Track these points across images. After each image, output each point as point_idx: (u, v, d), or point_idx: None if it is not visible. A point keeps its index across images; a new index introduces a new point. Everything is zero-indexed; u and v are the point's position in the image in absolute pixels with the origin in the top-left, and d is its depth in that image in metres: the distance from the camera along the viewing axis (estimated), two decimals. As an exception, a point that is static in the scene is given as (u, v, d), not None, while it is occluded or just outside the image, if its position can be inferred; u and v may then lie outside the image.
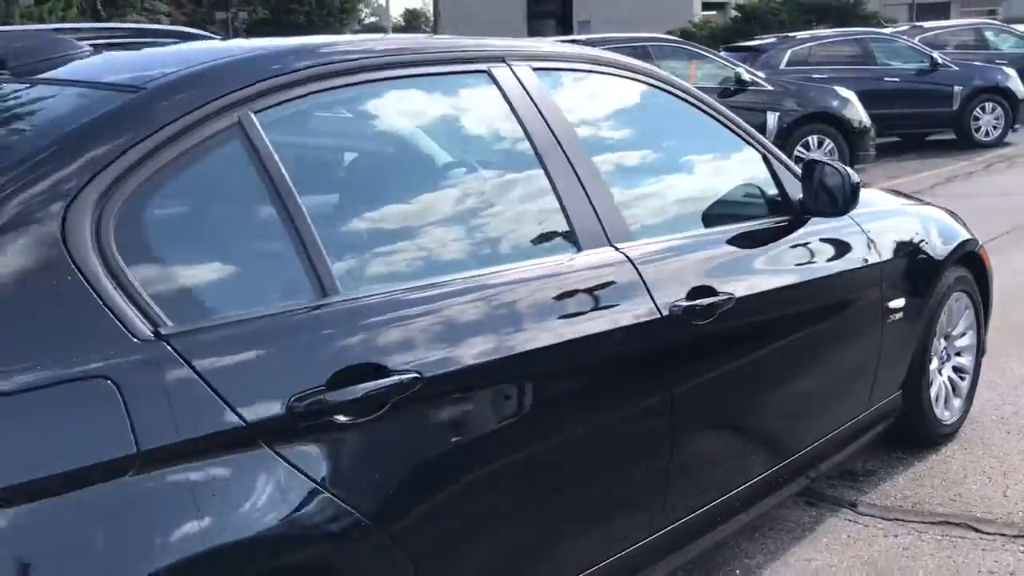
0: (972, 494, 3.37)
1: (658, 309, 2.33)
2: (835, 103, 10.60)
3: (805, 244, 2.93)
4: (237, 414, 1.62)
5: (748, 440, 2.82)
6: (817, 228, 2.98)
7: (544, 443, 2.13)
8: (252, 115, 1.85)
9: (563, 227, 2.30)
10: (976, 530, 3.13)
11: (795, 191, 2.97)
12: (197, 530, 1.54)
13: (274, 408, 1.67)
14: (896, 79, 13.35)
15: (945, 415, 3.73)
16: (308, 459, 1.70)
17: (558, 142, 2.33)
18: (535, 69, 2.41)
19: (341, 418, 1.73)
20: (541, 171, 2.30)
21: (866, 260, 3.14)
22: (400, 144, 2.34)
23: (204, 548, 1.54)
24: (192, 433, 1.57)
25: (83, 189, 1.62)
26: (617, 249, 2.34)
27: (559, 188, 2.30)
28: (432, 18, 58.65)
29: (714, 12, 45.86)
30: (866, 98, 10.99)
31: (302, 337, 1.77)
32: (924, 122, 13.69)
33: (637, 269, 2.34)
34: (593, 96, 2.69)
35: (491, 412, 2.04)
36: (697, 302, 2.41)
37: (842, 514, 3.28)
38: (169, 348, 1.59)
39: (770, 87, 10.79)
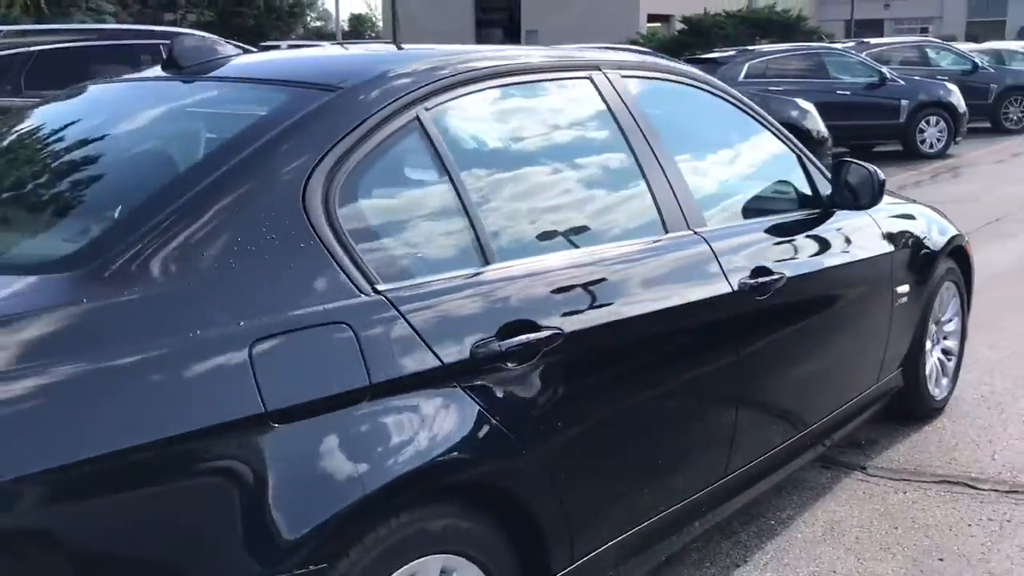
0: (965, 458, 3.82)
1: (730, 284, 2.72)
2: (795, 113, 10.77)
3: (835, 234, 3.35)
4: (438, 357, 1.97)
5: (790, 403, 3.23)
6: (843, 221, 3.41)
7: (646, 391, 2.53)
8: (426, 111, 2.21)
9: (653, 212, 2.68)
10: (973, 487, 3.57)
11: (824, 187, 3.39)
12: (412, 449, 1.88)
13: (463, 354, 2.02)
14: (847, 92, 14.10)
15: (936, 392, 4.20)
16: (484, 395, 2.06)
17: (645, 139, 2.71)
18: (623, 76, 2.79)
19: (508, 364, 2.08)
20: (635, 164, 2.68)
21: (881, 250, 3.58)
22: (530, 138, 2.70)
23: (420, 464, 1.88)
24: (406, 371, 1.92)
25: (315, 167, 1.96)
26: (696, 232, 2.73)
27: (649, 178, 2.68)
28: (378, 24, 58.79)
29: (659, 24, 46.89)
30: (819, 110, 11.37)
31: (476, 297, 2.12)
32: (873, 134, 14.40)
33: (713, 250, 2.73)
34: (664, 99, 3.07)
35: (611, 363, 2.43)
36: (759, 280, 2.81)
37: (854, 475, 3.70)
38: (386, 301, 1.93)
39: None
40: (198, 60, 2.50)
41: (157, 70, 2.65)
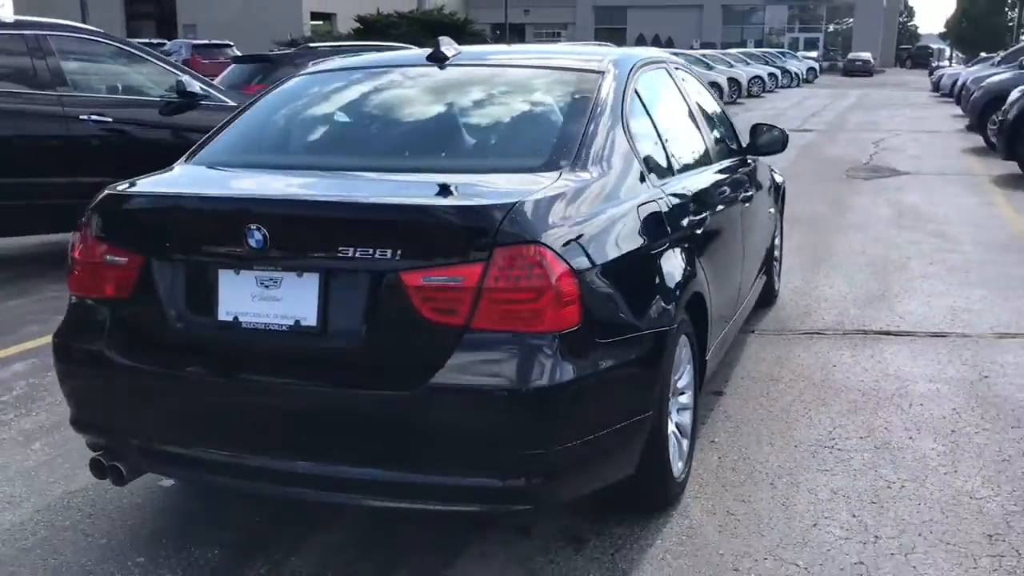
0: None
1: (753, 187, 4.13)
2: None
3: (756, 169, 4.80)
4: (685, 226, 3.32)
5: (755, 249, 4.70)
6: (756, 163, 4.86)
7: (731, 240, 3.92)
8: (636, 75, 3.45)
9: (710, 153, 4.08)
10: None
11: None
12: (684, 277, 3.15)
13: (692, 227, 3.37)
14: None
15: (778, 285, 5.84)
16: (696, 244, 3.35)
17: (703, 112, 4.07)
18: (676, 68, 4.11)
19: (698, 231, 3.40)
20: (699, 126, 4.03)
21: (768, 179, 5.10)
22: (667, 97, 3.95)
23: (684, 283, 3.07)
24: (674, 234, 3.21)
25: (623, 110, 3.16)
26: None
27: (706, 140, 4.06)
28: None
29: (321, 22, 47.61)
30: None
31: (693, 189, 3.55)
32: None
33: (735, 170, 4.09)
34: (679, 86, 4.28)
35: (722, 229, 3.82)
36: (740, 193, 4.21)
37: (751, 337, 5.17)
38: (661, 192, 3.26)
39: (232, 103, 7.54)
40: (457, 53, 3.56)
41: (422, 58, 3.64)
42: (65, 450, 3.79)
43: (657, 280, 2.97)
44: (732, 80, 28.76)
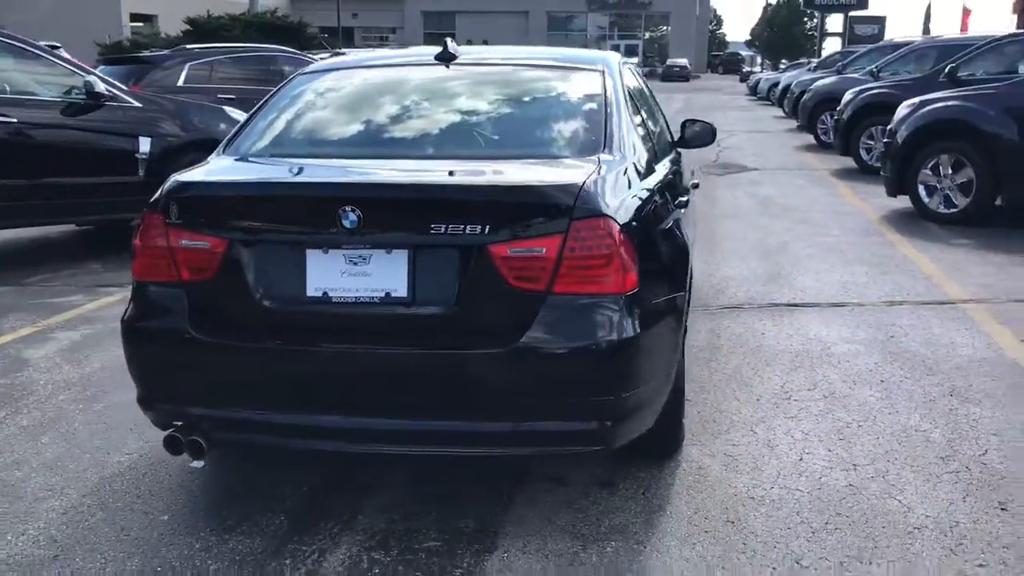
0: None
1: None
2: (222, 126, 7.88)
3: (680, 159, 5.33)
4: (687, 187, 3.64)
5: None
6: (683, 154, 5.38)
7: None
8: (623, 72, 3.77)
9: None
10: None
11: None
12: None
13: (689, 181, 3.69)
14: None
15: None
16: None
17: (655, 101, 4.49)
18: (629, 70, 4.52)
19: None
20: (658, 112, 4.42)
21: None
22: (639, 92, 4.33)
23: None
24: (684, 185, 3.60)
25: (618, 98, 3.53)
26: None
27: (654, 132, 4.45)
28: None
29: (142, 24, 45.79)
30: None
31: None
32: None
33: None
34: (641, 82, 4.70)
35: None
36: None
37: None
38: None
39: (138, 104, 7.67)
40: (461, 54, 3.84)
41: (431, 58, 3.88)
42: (77, 441, 3.85)
43: (677, 250, 3.40)
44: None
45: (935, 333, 5.25)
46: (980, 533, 3.06)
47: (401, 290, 2.85)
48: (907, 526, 3.10)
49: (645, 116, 4.13)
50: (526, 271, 2.78)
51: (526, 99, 3.72)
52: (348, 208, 2.79)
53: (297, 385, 2.94)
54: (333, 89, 3.88)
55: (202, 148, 7.62)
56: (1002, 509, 3.21)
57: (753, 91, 35.13)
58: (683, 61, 57.46)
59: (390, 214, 2.88)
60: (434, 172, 3.15)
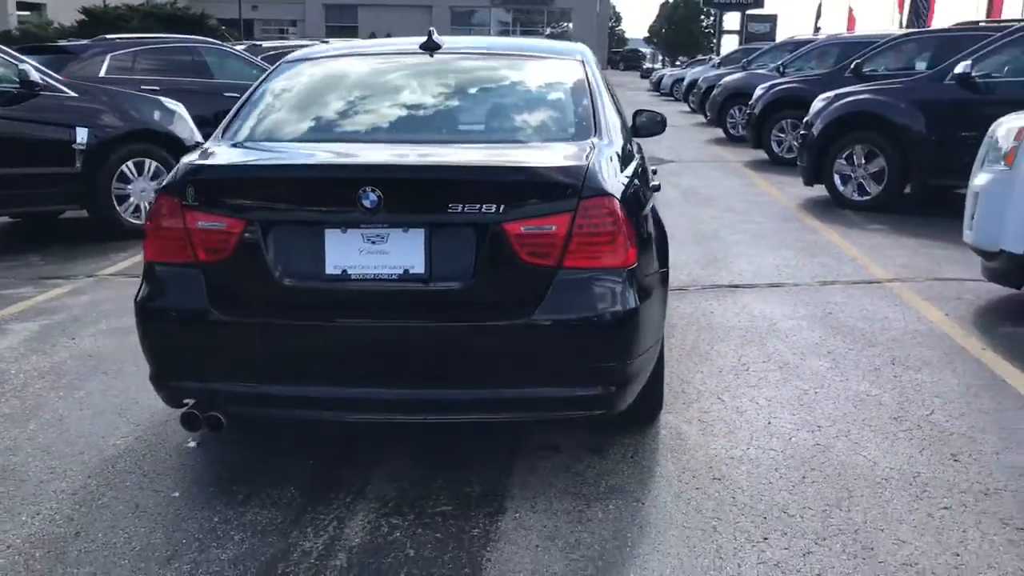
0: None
1: None
2: (158, 116, 8.08)
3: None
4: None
5: None
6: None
7: None
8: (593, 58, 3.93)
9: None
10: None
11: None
12: None
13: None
14: (237, 94, 10.48)
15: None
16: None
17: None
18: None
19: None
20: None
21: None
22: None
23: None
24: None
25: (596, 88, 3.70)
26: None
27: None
28: None
29: (29, 13, 44.08)
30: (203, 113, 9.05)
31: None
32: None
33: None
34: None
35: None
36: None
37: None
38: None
39: (74, 93, 7.64)
40: (444, 44, 4.02)
41: (415, 47, 3.99)
42: (66, 427, 3.87)
43: (660, 229, 3.63)
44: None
45: (869, 309, 5.63)
46: (939, 481, 3.38)
47: (419, 267, 3.01)
48: (875, 477, 3.41)
49: (616, 104, 4.36)
50: (538, 247, 2.97)
51: (516, 86, 3.90)
52: (369, 189, 2.93)
53: (317, 359, 3.07)
54: (326, 76, 4.00)
55: (141, 139, 7.87)
56: (955, 460, 3.55)
57: (656, 87, 35.95)
58: (586, 57, 58.12)
59: (409, 194, 3.03)
60: (447, 154, 3.31)
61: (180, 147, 7.94)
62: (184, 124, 8.29)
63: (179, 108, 8.36)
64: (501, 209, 2.95)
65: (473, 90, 3.85)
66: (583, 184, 3.00)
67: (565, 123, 3.56)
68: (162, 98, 8.42)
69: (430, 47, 3.99)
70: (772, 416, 3.98)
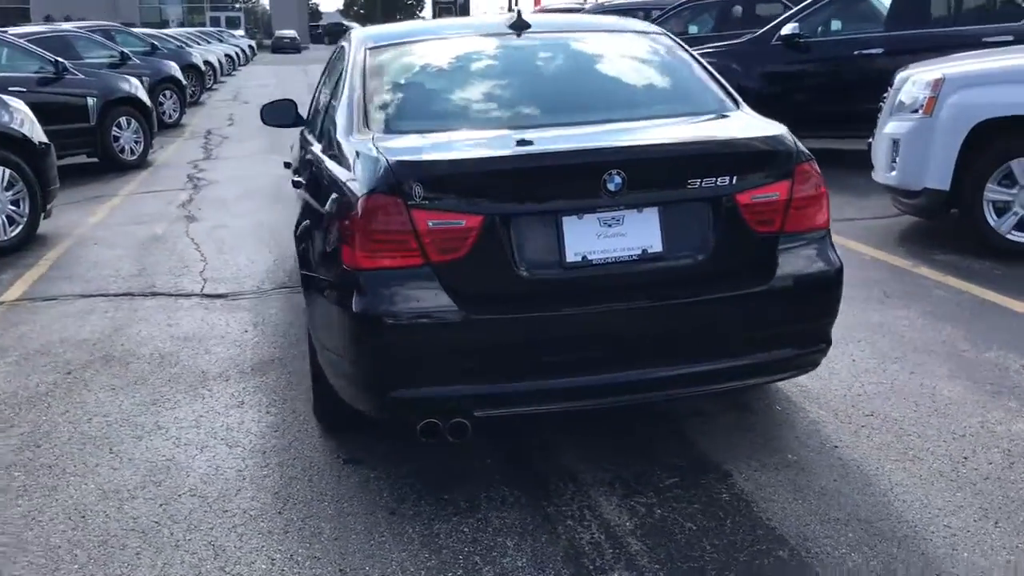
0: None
1: None
2: (7, 118, 7.19)
3: None
4: None
5: None
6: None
7: None
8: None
9: None
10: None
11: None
12: None
13: None
14: (20, 88, 9.64)
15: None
16: None
17: None
18: None
19: None
20: None
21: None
22: None
23: None
24: None
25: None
26: None
27: None
28: None
29: None
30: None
31: None
32: (60, 144, 8.82)
33: None
34: None
35: None
36: None
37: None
38: None
39: None
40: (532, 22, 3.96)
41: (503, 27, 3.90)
42: (77, 458, 3.49)
43: None
44: (208, 63, 26.61)
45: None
46: None
47: (656, 245, 3.03)
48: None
49: None
50: (765, 215, 3.09)
51: (640, 63, 3.91)
52: (614, 172, 2.91)
53: (561, 349, 3.00)
54: (440, 61, 3.81)
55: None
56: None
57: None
58: (292, 32, 56.77)
59: (650, 174, 3.03)
60: (668, 133, 3.32)
61: (32, 152, 7.25)
62: (34, 126, 7.49)
63: (23, 108, 7.54)
64: (734, 181, 3.04)
65: (601, 69, 3.86)
66: (796, 150, 3.15)
67: (716, 96, 3.64)
68: (5, 97, 7.51)
69: (519, 27, 3.92)
70: (847, 355, 4.35)
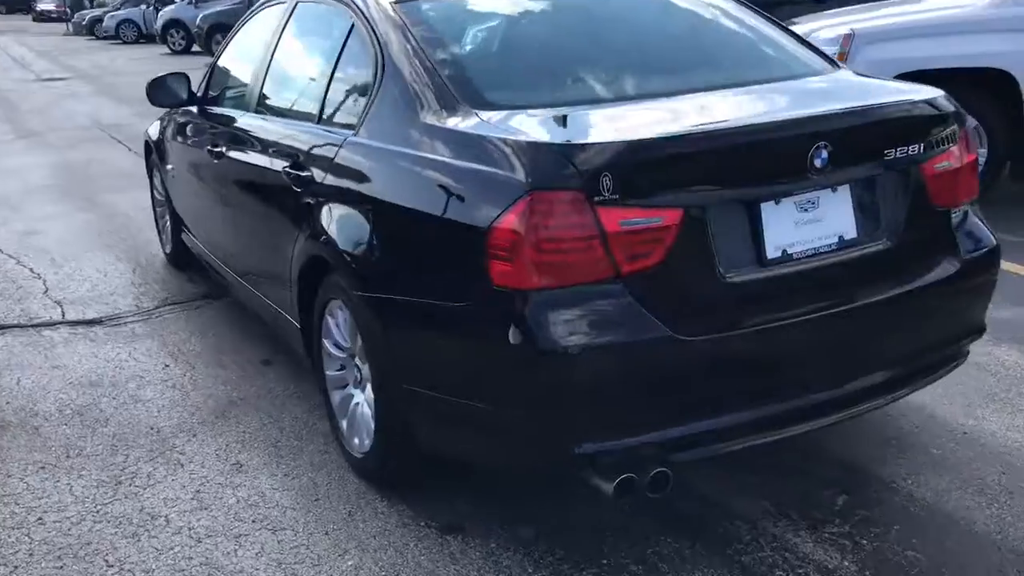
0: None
1: None
2: None
3: None
4: None
5: None
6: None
7: None
8: None
9: None
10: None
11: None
12: None
13: None
14: None
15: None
16: None
17: None
18: None
19: None
20: None
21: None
22: None
23: None
24: None
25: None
26: None
27: None
28: None
29: None
30: None
31: None
32: None
33: None
34: None
35: None
36: None
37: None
38: None
39: None
40: None
41: None
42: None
43: None
44: None
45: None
46: None
47: (851, 231, 2.55)
48: None
49: None
50: (942, 186, 2.69)
51: (719, 23, 3.29)
52: (822, 144, 2.38)
53: (776, 367, 2.46)
54: (501, 21, 3.03)
55: None
56: None
57: (89, 31, 32.20)
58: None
59: (856, 145, 2.51)
60: (838, 98, 2.77)
61: None
62: None
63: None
64: (922, 149, 2.61)
65: (700, 25, 3.27)
66: (959, 112, 2.76)
67: (811, 56, 3.15)
68: None
69: None
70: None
